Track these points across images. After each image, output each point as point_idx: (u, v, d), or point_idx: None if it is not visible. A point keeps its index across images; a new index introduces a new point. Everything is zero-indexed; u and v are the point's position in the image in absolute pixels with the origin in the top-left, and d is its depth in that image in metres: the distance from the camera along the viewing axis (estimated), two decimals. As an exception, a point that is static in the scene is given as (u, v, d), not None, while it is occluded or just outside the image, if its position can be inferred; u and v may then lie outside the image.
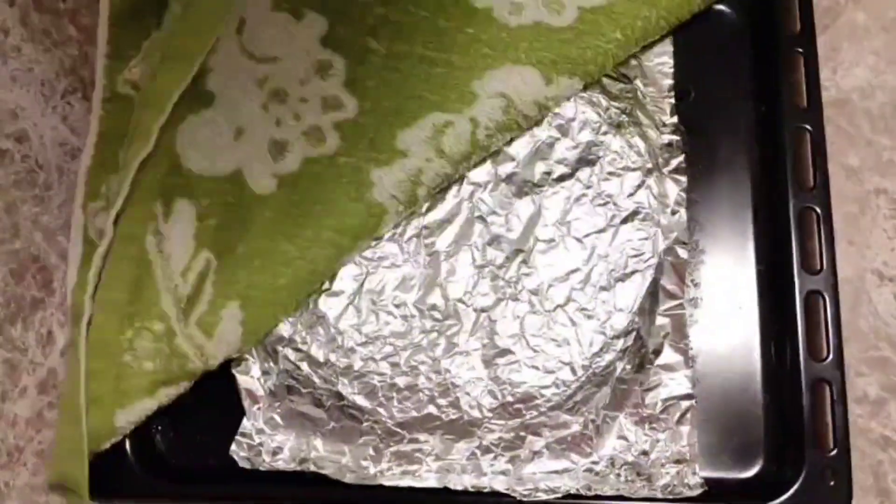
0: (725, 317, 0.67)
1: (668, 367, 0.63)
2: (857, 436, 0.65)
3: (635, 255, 0.65)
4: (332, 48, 0.63)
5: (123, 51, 0.66)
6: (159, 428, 0.65)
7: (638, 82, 0.69)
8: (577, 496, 0.61)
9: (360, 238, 0.62)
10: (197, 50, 0.62)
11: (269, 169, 0.61)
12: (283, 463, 0.62)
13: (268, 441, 0.63)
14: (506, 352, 0.63)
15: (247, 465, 0.62)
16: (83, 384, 0.58)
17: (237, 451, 0.62)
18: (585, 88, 0.67)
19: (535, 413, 0.62)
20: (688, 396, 0.63)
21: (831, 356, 0.63)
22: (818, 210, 0.66)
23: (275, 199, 0.61)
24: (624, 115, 0.67)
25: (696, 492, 0.60)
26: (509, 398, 0.62)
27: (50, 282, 0.68)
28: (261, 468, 0.62)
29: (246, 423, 0.63)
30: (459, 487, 0.61)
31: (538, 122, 0.66)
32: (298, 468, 0.62)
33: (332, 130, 0.62)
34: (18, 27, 0.73)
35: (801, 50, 0.69)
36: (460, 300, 0.64)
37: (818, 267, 0.65)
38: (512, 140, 0.66)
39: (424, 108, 0.62)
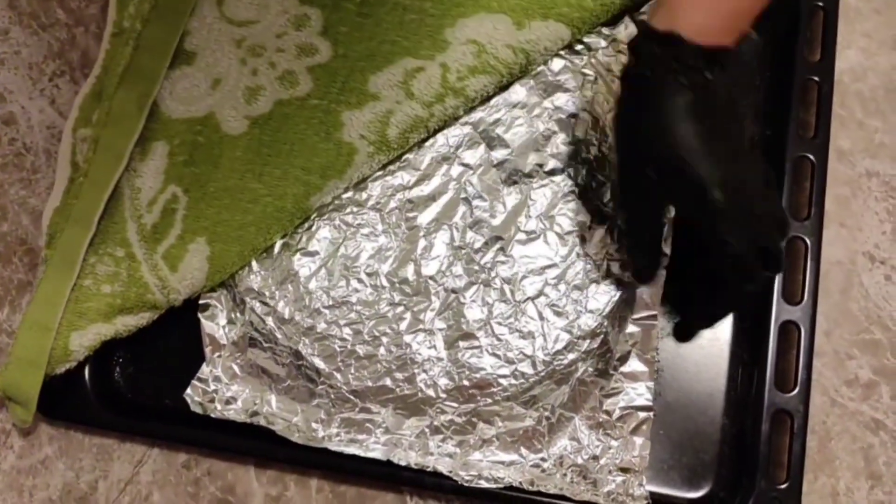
0: (698, 336, 0.66)
1: (632, 376, 0.63)
2: (848, 419, 0.65)
3: (615, 260, 0.64)
4: (308, 3, 0.64)
5: None
6: (120, 361, 0.66)
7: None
8: (519, 490, 0.61)
9: (329, 177, 0.62)
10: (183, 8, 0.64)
11: (242, 112, 0.63)
12: (234, 413, 0.63)
13: (223, 389, 0.63)
14: (469, 336, 0.63)
15: (198, 410, 0.63)
16: (50, 299, 0.59)
17: (191, 396, 0.63)
18: (578, 43, 0.67)
19: (489, 401, 0.62)
20: (647, 408, 0.62)
21: (797, 389, 0.62)
22: (807, 241, 0.65)
23: (245, 139, 0.63)
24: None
25: None
26: (465, 382, 0.62)
27: (37, 264, 0.66)
28: (212, 415, 0.63)
29: (204, 369, 0.64)
30: (403, 463, 0.61)
31: (524, 70, 0.65)
32: (248, 420, 0.62)
33: (306, 74, 0.63)
34: (6, 10, 0.73)
35: (816, 78, 0.68)
36: (432, 278, 0.64)
37: (798, 298, 0.64)
38: (492, 95, 0.66)
39: (396, 53, 0.63)
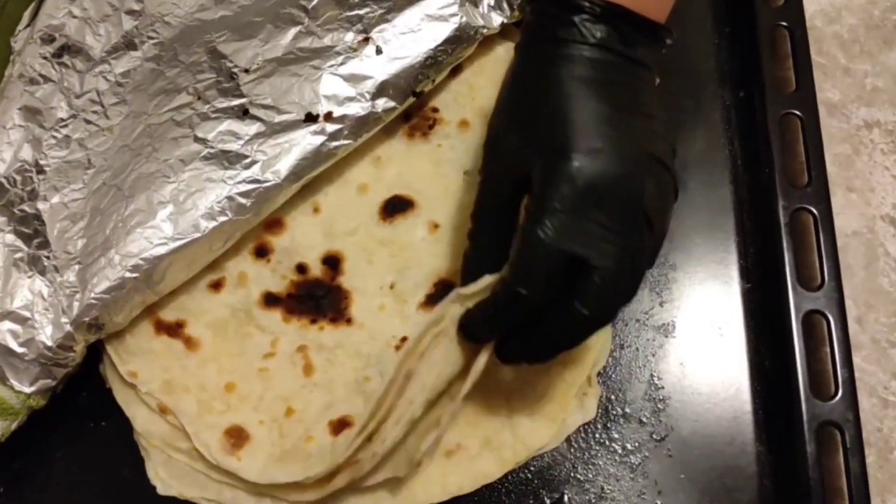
0: (704, 346, 0.54)
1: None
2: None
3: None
4: None
5: None
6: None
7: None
8: None
9: None
10: None
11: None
12: None
13: None
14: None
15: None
16: None
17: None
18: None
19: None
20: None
21: (840, 393, 0.50)
22: (815, 212, 0.54)
23: None
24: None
25: None
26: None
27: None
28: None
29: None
30: None
31: None
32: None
33: None
34: None
35: (785, 23, 0.58)
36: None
37: (818, 281, 0.52)
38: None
39: None
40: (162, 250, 0.47)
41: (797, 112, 0.56)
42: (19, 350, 0.47)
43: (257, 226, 0.51)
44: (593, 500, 0.50)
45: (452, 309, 0.44)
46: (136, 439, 0.50)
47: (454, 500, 0.49)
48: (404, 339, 0.50)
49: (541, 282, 0.41)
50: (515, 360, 0.44)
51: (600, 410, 0.52)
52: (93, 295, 0.47)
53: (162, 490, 0.49)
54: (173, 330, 0.50)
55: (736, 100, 0.58)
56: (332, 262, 0.52)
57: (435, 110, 0.54)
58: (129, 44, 0.53)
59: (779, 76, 0.57)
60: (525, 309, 0.41)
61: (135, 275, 0.47)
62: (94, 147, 0.51)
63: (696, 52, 0.59)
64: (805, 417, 0.50)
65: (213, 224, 0.48)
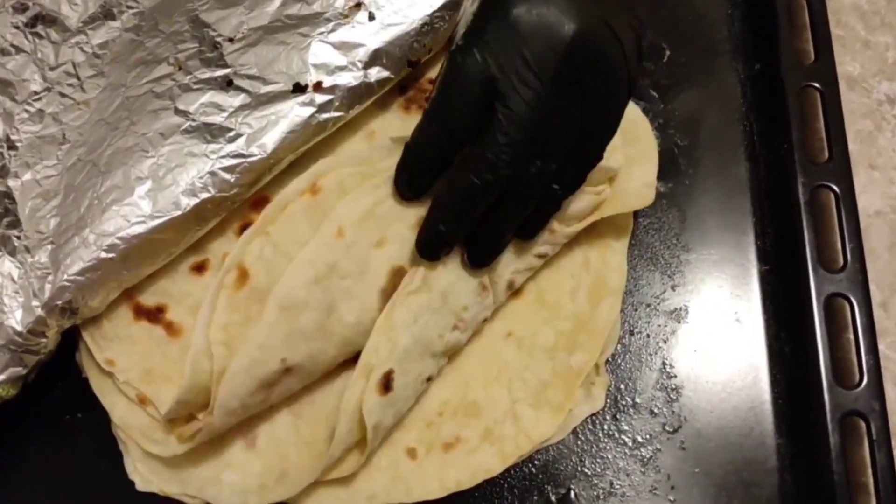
0: (720, 332, 0.51)
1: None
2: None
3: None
4: None
5: None
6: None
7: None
8: None
9: None
10: None
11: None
12: None
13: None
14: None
15: None
16: None
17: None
18: None
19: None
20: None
21: (865, 381, 0.47)
22: (836, 189, 0.51)
23: None
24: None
25: None
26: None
27: None
28: None
29: None
30: None
31: None
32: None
33: None
34: None
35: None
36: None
37: (840, 263, 0.49)
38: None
39: None
40: (139, 229, 0.44)
41: (817, 84, 0.53)
42: (-14, 336, 0.44)
43: (243, 204, 0.48)
44: (601, 496, 0.47)
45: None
46: (115, 432, 0.47)
47: (454, 496, 0.46)
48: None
49: (463, 108, 0.41)
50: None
51: (609, 400, 0.49)
52: (66, 277, 0.44)
53: (141, 486, 0.46)
54: (153, 315, 0.47)
55: (751, 72, 0.55)
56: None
57: (432, 82, 0.51)
58: (107, 13, 0.50)
59: (797, 48, 0.54)
60: (447, 137, 0.42)
61: (111, 255, 0.44)
62: (69, 121, 0.48)
63: (708, 22, 0.56)
64: (828, 407, 0.47)
65: (194, 201, 0.45)
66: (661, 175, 0.52)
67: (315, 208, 0.46)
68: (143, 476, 0.46)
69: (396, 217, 0.46)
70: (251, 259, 0.45)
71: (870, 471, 0.46)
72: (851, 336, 0.48)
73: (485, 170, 0.41)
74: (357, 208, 0.45)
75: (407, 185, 0.45)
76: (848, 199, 0.50)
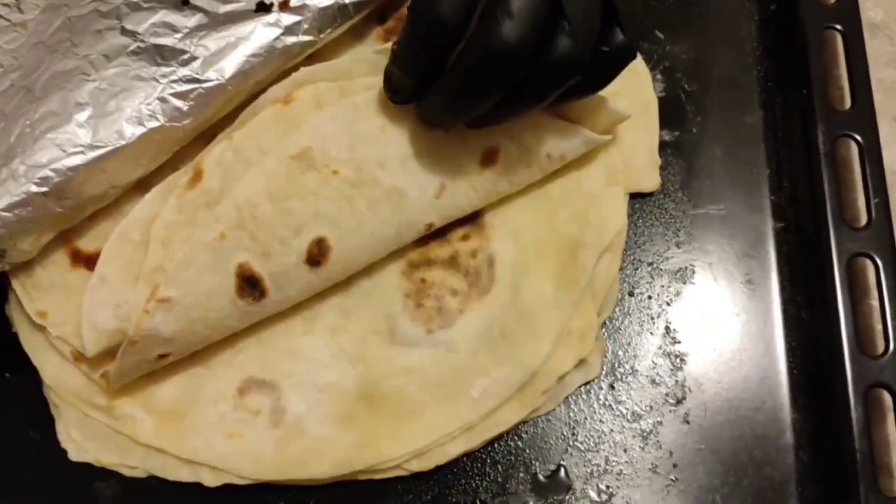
0: (729, 294, 0.47)
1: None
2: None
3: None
4: None
5: None
6: None
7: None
8: None
9: None
10: None
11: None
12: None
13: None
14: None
15: None
16: None
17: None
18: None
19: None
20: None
21: (891, 349, 0.43)
22: (859, 139, 0.46)
23: None
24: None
25: None
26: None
27: None
28: None
29: None
30: None
31: None
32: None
33: None
34: None
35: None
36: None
37: (864, 220, 0.45)
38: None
39: None
40: (77, 160, 0.39)
41: (838, 26, 0.48)
42: None
43: (199, 139, 0.42)
44: (595, 474, 0.42)
45: None
46: (46, 394, 0.42)
47: (434, 472, 0.41)
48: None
49: None
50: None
51: (605, 368, 0.45)
52: (-10, 213, 0.39)
53: (74, 455, 0.41)
54: (93, 262, 0.41)
55: (766, 13, 0.51)
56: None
57: (414, 10, 0.46)
58: (49, -74, 0.44)
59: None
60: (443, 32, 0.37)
61: (43, 189, 0.39)
62: (3, 44, 0.43)
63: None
64: (850, 378, 0.43)
65: (140, 130, 0.40)
66: (667, 123, 0.48)
67: (285, 118, 0.42)
68: (77, 444, 0.41)
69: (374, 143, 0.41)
70: (210, 161, 0.41)
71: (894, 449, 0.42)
72: (876, 301, 0.44)
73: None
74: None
75: (395, 92, 0.41)
76: (873, 150, 0.46)
